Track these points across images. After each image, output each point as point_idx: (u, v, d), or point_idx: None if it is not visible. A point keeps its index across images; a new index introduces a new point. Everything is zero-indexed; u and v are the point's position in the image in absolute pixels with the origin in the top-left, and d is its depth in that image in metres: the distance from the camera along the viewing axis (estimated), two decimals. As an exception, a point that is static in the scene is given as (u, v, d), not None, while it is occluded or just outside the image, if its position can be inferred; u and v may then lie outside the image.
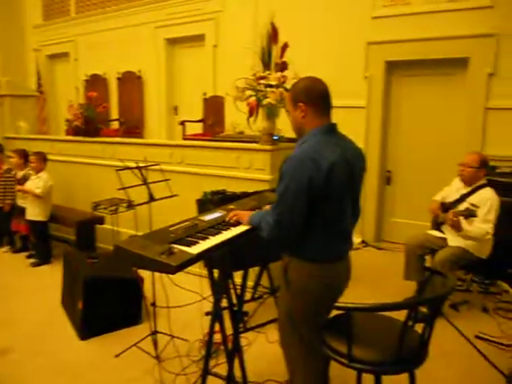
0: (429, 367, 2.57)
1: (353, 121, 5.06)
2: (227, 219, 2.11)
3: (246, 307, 3.35)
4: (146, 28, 6.89)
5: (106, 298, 3.15)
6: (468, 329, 3.19)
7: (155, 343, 2.90)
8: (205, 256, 1.83)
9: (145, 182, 2.90)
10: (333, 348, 1.66)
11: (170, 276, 1.89)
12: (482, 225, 3.20)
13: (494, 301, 3.70)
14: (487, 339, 3.06)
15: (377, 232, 5.37)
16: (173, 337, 2.93)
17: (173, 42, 6.82)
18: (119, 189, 2.92)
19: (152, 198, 2.87)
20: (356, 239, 5.19)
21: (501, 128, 4.41)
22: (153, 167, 3.18)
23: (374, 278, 4.12)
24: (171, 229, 1.94)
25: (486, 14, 4.39)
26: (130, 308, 3.25)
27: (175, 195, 3.07)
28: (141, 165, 2.98)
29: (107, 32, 7.31)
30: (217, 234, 1.94)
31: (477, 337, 3.10)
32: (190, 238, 1.84)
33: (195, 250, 1.72)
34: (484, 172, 3.42)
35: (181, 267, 1.58)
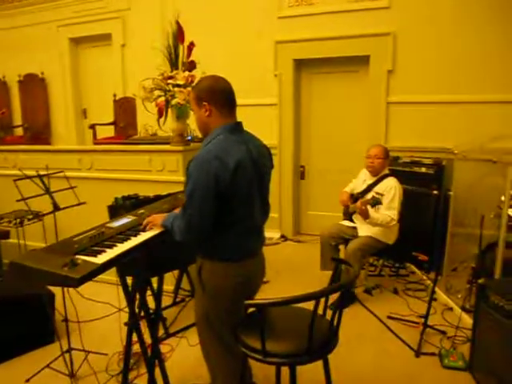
0: (345, 351, 2.72)
1: (266, 118, 5.18)
2: (142, 227, 2.04)
3: (168, 312, 3.30)
4: (48, 27, 6.46)
5: (12, 320, 2.90)
6: (381, 310, 3.40)
7: (70, 361, 2.73)
8: (113, 265, 1.76)
9: (47, 191, 2.73)
10: (248, 345, 1.67)
11: (80, 289, 1.80)
12: (387, 212, 3.40)
13: (403, 282, 3.98)
14: (398, 318, 3.27)
15: (295, 226, 5.52)
16: (89, 352, 2.79)
17: (77, 41, 6.48)
18: (18, 200, 2.73)
19: (56, 208, 2.71)
20: (275, 234, 5.30)
21: (400, 121, 4.72)
22: (57, 174, 2.99)
23: (294, 271, 4.24)
24: (75, 239, 1.84)
25: (383, 14, 4.67)
26: (40, 327, 3.03)
27: (82, 203, 2.92)
28: (42, 173, 2.80)
29: (4, 31, 6.77)
30: (125, 240, 1.88)
31: (389, 317, 3.30)
32: (95, 247, 1.76)
33: (100, 259, 1.64)
34: (387, 162, 3.64)
35: (84, 279, 1.50)
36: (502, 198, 3.06)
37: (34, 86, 6.67)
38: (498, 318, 2.32)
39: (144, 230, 2.00)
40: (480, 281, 2.58)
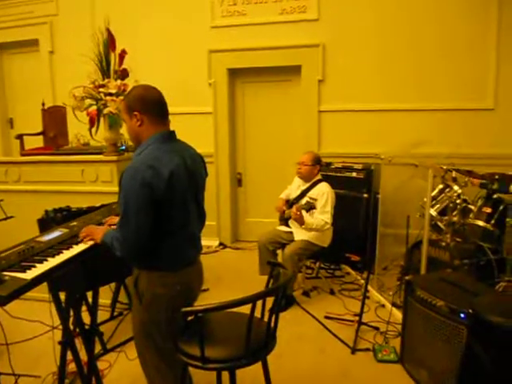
0: (284, 352, 2.79)
1: (201, 126, 5.19)
2: (79, 239, 1.98)
3: (106, 327, 3.19)
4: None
5: None
6: (318, 311, 3.50)
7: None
8: (44, 280, 1.69)
9: (-31, 206, 2.56)
10: (187, 353, 1.67)
11: (8, 308, 1.71)
12: (321, 216, 3.52)
13: (339, 283, 4.12)
14: (335, 317, 3.39)
15: (233, 233, 5.55)
16: (19, 376, 2.62)
17: (2, 47, 6.12)
18: None
19: (-20, 223, 2.55)
20: (214, 242, 5.31)
21: (332, 128, 4.92)
22: (-20, 188, 2.82)
23: (234, 278, 4.26)
24: (2, 255, 1.76)
25: (313, 26, 4.86)
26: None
27: (10, 217, 2.77)
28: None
29: None
30: (57, 254, 1.82)
31: (326, 317, 3.41)
32: (24, 263, 1.69)
33: (30, 274, 1.58)
34: (318, 168, 3.78)
35: (12, 296, 1.44)
36: (425, 199, 3.27)
37: (-48, 94, 6.23)
38: (424, 311, 2.48)
39: (77, 243, 1.94)
40: (407, 277, 2.74)
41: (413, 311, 2.62)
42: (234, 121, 5.43)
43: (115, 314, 3.42)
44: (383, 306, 3.57)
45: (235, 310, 1.71)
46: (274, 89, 5.24)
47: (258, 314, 1.70)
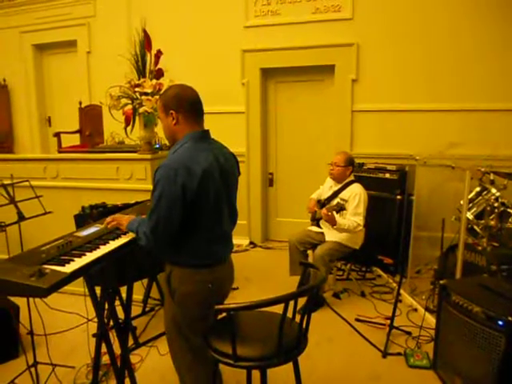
0: (313, 354, 2.77)
1: (234, 126, 5.22)
2: (104, 224, 2.05)
3: (138, 322, 3.26)
4: (11, 33, 6.32)
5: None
6: (349, 313, 3.47)
7: (36, 376, 2.66)
8: (81, 274, 1.74)
9: (12, 201, 2.67)
10: (218, 350, 1.69)
11: (47, 300, 1.78)
12: (353, 217, 3.49)
13: (370, 285, 4.07)
14: (365, 320, 3.35)
15: (263, 232, 5.57)
16: (55, 366, 2.72)
17: (41, 47, 6.36)
18: (-19, 210, 2.65)
19: (21, 218, 2.65)
20: (244, 241, 5.33)
21: (365, 128, 4.86)
22: (22, 184, 2.93)
23: (264, 277, 4.27)
24: (42, 248, 1.82)
25: (347, 25, 4.82)
26: (4, 341, 2.93)
27: (49, 212, 2.87)
28: (6, 182, 2.73)
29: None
30: (94, 249, 1.86)
31: (356, 319, 3.38)
32: (63, 257, 1.74)
33: (69, 268, 1.63)
34: (350, 169, 3.74)
35: (53, 289, 1.48)
36: (461, 202, 3.19)
37: (-5, 93, 6.50)
38: (460, 317, 2.42)
39: (114, 239, 1.99)
40: (442, 282, 2.68)
41: (447, 316, 2.56)
42: (266, 120, 5.44)
43: (147, 309, 3.49)
44: (415, 310, 3.51)
45: (265, 309, 1.72)
46: (307, 88, 5.22)
47: (287, 313, 1.70)
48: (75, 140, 5.76)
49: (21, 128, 6.55)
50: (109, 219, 2.07)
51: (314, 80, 5.18)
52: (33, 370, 2.64)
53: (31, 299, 2.61)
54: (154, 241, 1.77)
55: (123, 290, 2.55)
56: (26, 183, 2.95)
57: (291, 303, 1.69)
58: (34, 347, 2.69)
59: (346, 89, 4.88)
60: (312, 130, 5.26)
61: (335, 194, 3.71)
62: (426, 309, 3.28)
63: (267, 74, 5.32)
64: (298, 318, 1.85)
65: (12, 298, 3.09)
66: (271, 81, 5.38)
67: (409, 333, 3.12)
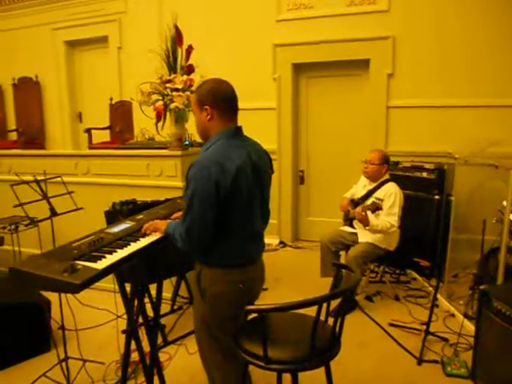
0: (345, 358, 2.73)
1: (264, 122, 5.22)
2: (143, 231, 2.07)
3: (166, 320, 3.30)
4: (43, 30, 6.51)
5: (6, 328, 2.90)
6: (382, 317, 3.42)
7: (67, 370, 2.74)
8: (112, 270, 1.78)
9: (45, 197, 2.75)
10: (249, 352, 1.69)
11: (78, 296, 1.82)
12: (387, 218, 3.43)
13: (405, 289, 4.00)
14: (399, 325, 3.29)
15: (294, 232, 5.55)
16: (85, 361, 2.79)
17: (73, 44, 6.52)
18: (15, 206, 2.74)
19: (54, 213, 2.73)
20: (274, 241, 5.33)
21: (401, 125, 4.78)
22: (54, 180, 3.01)
23: (294, 278, 4.26)
24: (74, 244, 1.86)
25: (382, 17, 4.74)
26: (36, 335, 3.03)
27: (80, 208, 2.94)
28: (39, 178, 2.82)
29: (-3, 34, 6.82)
30: (125, 246, 1.90)
31: (390, 324, 3.32)
32: (94, 253, 1.78)
33: (101, 265, 1.66)
34: (386, 168, 3.68)
35: (85, 285, 1.51)
36: (504, 203, 3.09)
37: (28, 89, 6.69)
38: (502, 324, 2.34)
39: (144, 236, 2.02)
40: (482, 287, 2.60)
41: (487, 324, 2.48)
42: (297, 117, 5.42)
43: (175, 307, 3.53)
44: (453, 315, 3.42)
45: (297, 311, 1.71)
46: (341, 84, 5.17)
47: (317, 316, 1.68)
48: (105, 136, 5.89)
49: (52, 124, 6.74)
50: (147, 225, 2.09)
51: (347, 75, 5.13)
52: (64, 364, 2.72)
53: (63, 295, 2.69)
54: (189, 242, 1.79)
55: (153, 288, 2.59)
56: (58, 179, 3.03)
57: (324, 305, 1.67)
58: (64, 342, 2.77)
59: (381, 84, 4.80)
60: (345, 127, 5.21)
61: (369, 193, 3.67)
62: (465, 315, 3.20)
63: (299, 68, 5.29)
64: (329, 320, 1.84)
65: (44, 293, 3.19)
66: (303, 76, 5.35)
67: (446, 339, 3.04)
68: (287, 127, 5.30)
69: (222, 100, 1.86)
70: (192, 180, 1.75)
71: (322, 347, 1.68)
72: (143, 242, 1.97)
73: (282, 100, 5.25)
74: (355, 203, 3.72)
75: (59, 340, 2.88)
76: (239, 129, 1.93)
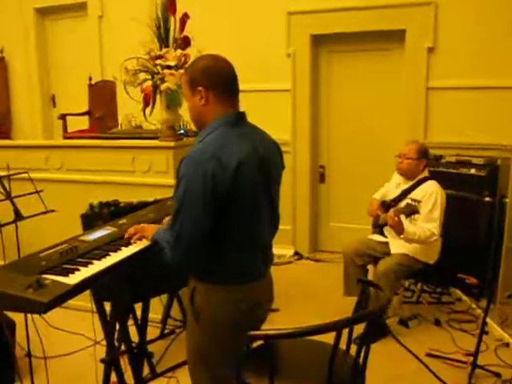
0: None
1: (276, 107, 5.24)
2: (126, 237, 2.08)
3: (155, 347, 3.32)
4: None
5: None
6: (419, 346, 3.40)
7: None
8: (88, 287, 1.79)
9: (8, 196, 2.77)
10: (252, 387, 1.69)
11: (46, 316, 1.83)
12: (426, 224, 3.42)
13: (447, 311, 3.98)
14: (440, 356, 3.27)
15: (312, 241, 5.56)
16: (56, 395, 2.82)
17: (45, 12, 6.59)
18: (-28, 207, 2.76)
19: (19, 216, 2.75)
20: (287, 251, 5.33)
21: (444, 111, 4.76)
22: (19, 176, 3.04)
23: (310, 297, 4.27)
24: (42, 254, 1.88)
25: (422, -22, 4.72)
26: (-2, 363, 3.06)
27: (51, 211, 2.96)
28: (1, 174, 2.84)
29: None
30: (103, 256, 1.92)
31: (428, 354, 3.30)
32: (66, 265, 1.80)
33: (73, 279, 1.67)
34: (424, 163, 3.67)
35: (54, 303, 1.52)
36: None
37: (-10, 66, 6.76)
38: None
39: (127, 244, 2.03)
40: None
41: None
42: (316, 100, 5.42)
43: (166, 331, 3.54)
44: (507, 345, 3.40)
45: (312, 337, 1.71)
46: (369, 60, 5.17)
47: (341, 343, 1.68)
48: (83, 123, 5.91)
49: (20, 109, 6.80)
50: (131, 230, 2.10)
51: (377, 49, 5.13)
52: (29, 400, 2.74)
53: (29, 315, 2.71)
54: (178, 253, 1.78)
55: (138, 308, 2.61)
56: (25, 175, 3.04)
57: (345, 331, 1.66)
58: (31, 372, 2.79)
59: (420, 60, 4.79)
60: (375, 113, 5.20)
61: (404, 194, 3.66)
62: (522, 344, 3.18)
63: (319, 41, 5.29)
64: (353, 349, 1.83)
65: (8, 313, 3.21)
66: (324, 50, 5.35)
67: (498, 374, 3.02)
68: (304, 113, 5.30)
69: (219, 80, 1.85)
70: (183, 177, 1.74)
71: (343, 382, 1.68)
72: (126, 252, 1.99)
73: (298, 80, 5.25)
74: (386, 206, 3.71)
75: (25, 369, 2.91)
76: (242, 115, 1.93)
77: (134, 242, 2.07)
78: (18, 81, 6.76)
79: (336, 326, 1.56)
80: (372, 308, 1.72)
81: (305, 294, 4.34)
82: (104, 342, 2.44)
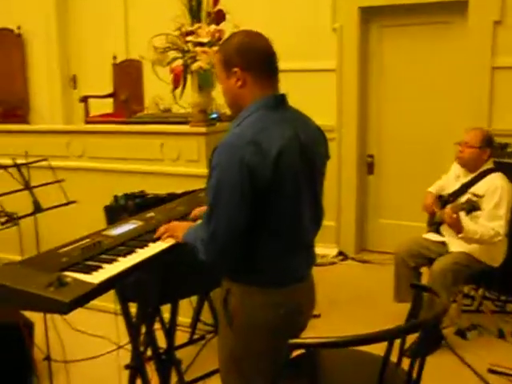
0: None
1: (319, 89, 5.21)
2: (155, 236, 2.11)
3: (183, 353, 3.34)
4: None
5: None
6: (479, 360, 3.35)
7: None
8: (113, 286, 1.82)
9: (26, 186, 2.83)
10: (293, 400, 1.69)
11: (68, 317, 1.87)
12: (490, 223, 3.36)
13: (512, 322, 3.91)
14: (504, 373, 3.21)
15: (358, 239, 5.54)
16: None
17: (66, -15, 6.69)
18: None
19: (38, 208, 2.81)
20: (330, 251, 5.31)
21: (511, 94, 4.65)
22: (39, 164, 3.10)
23: (356, 302, 4.25)
24: (63, 250, 1.91)
25: None
26: (13, 367, 3.12)
27: (72, 202, 3.02)
28: (19, 161, 2.90)
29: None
30: (129, 253, 1.93)
31: (490, 370, 3.25)
32: (89, 262, 1.82)
33: (97, 277, 1.69)
34: (488, 153, 3.60)
35: (76, 303, 1.55)
36: None
37: (7, 44, 6.85)
38: None
39: (155, 240, 2.05)
40: None
41: None
42: (365, 81, 5.39)
43: (196, 336, 3.57)
44: None
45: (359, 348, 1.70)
46: (426, 35, 5.11)
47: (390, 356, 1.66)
48: (107, 107, 6.00)
49: (38, 91, 6.92)
50: (162, 229, 2.11)
51: (436, 23, 5.07)
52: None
53: (48, 315, 2.77)
54: (214, 251, 1.79)
55: (166, 310, 2.64)
56: (45, 163, 3.11)
57: (397, 342, 1.65)
58: (50, 377, 2.86)
59: (485, 35, 4.70)
60: (432, 96, 5.13)
61: (464, 188, 3.61)
62: None
63: (368, 15, 5.26)
64: (404, 362, 1.81)
65: (26, 313, 3.29)
66: (374, 25, 5.31)
67: None
68: (351, 96, 5.27)
69: (256, 59, 1.85)
70: (217, 166, 1.75)
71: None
72: (154, 249, 2.00)
73: (345, 58, 5.22)
74: (444, 201, 3.67)
75: (44, 374, 2.98)
76: (283, 97, 1.92)
77: (163, 240, 2.10)
78: (37, 60, 6.87)
79: (388, 336, 1.54)
80: (428, 316, 1.69)
81: (349, 298, 4.33)
82: (128, 347, 2.48)
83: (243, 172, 1.69)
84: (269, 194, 1.75)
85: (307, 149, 1.87)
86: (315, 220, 2.00)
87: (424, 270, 3.74)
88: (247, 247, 1.81)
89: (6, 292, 1.60)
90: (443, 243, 3.65)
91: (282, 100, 1.91)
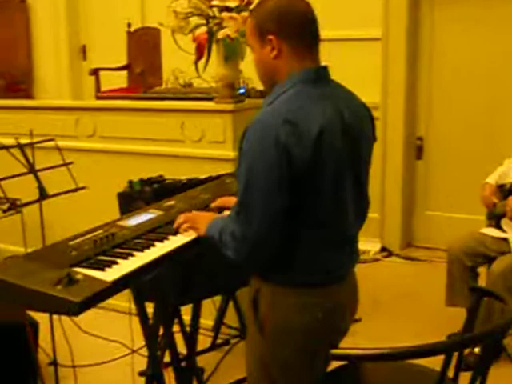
0: None
1: (362, 61, 5.18)
2: (175, 226, 2.10)
3: (205, 360, 3.36)
4: None
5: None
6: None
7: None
8: (128, 284, 1.82)
9: (31, 169, 2.84)
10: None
11: (77, 319, 1.88)
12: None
13: None
14: None
15: (404, 234, 5.51)
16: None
17: None
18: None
19: (44, 194, 2.82)
20: (373, 246, 5.29)
21: None
22: (44, 144, 3.12)
23: (402, 305, 4.24)
24: (72, 243, 1.91)
25: None
26: (15, 372, 3.17)
27: (82, 188, 3.03)
28: (23, 141, 2.92)
29: None
30: (146, 247, 1.93)
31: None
32: (102, 257, 1.82)
33: (111, 275, 1.69)
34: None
35: (88, 304, 1.55)
36: None
37: (9, 11, 6.94)
38: None
39: (176, 233, 2.04)
40: None
41: None
42: (415, 53, 5.35)
43: (219, 341, 3.58)
44: None
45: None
46: (486, 2, 5.01)
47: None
48: (121, 80, 6.02)
49: (43, 62, 6.99)
50: (181, 219, 2.11)
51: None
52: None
53: (55, 316, 2.79)
54: (246, 247, 1.77)
55: (187, 311, 2.64)
56: (51, 143, 3.12)
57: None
58: (57, 383, 2.89)
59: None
60: (492, 72, 5.07)
61: (530, 176, 3.54)
62: None
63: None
64: (462, 377, 1.78)
65: (30, 312, 3.33)
66: (427, -12, 5.24)
67: None
68: (398, 69, 5.22)
69: (294, 25, 1.82)
70: (249, 150, 1.73)
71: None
72: (174, 243, 1.99)
73: (392, 26, 5.17)
74: (506, 191, 3.61)
75: (50, 379, 3.01)
76: (324, 70, 1.89)
77: (181, 231, 2.09)
78: (42, 28, 6.93)
79: (446, 348, 1.51)
80: (494, 325, 1.65)
81: (393, 300, 4.31)
82: (144, 351, 2.49)
83: (280, 154, 1.67)
84: (307, 180, 1.73)
85: (351, 129, 1.84)
86: (359, 211, 1.97)
87: (481, 269, 3.68)
88: (283, 241, 1.79)
89: (8, 289, 1.60)
90: (505, 240, 3.59)
91: (323, 73, 1.89)
